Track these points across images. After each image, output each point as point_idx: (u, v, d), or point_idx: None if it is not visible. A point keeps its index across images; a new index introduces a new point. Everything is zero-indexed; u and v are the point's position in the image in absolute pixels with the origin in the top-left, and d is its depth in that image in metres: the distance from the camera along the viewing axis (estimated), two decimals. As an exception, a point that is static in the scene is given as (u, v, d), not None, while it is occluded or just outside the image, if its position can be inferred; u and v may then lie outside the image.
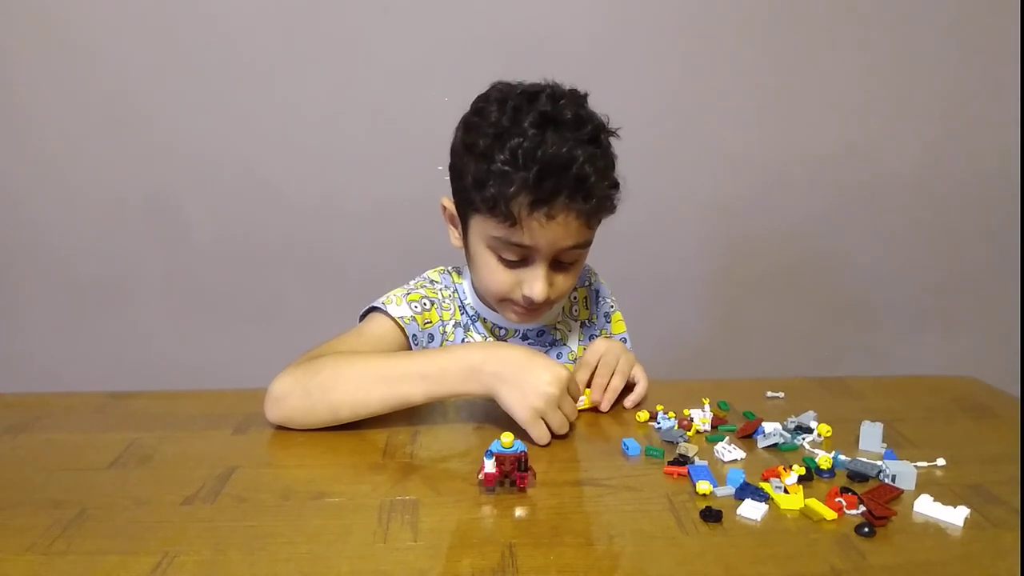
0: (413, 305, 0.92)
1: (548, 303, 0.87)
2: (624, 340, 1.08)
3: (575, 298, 1.05)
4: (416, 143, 1.65)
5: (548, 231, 0.80)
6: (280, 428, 0.77)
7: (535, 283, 0.83)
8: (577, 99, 0.84)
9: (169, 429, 0.77)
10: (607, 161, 0.84)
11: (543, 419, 0.72)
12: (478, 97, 0.88)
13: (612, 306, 1.08)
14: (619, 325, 1.08)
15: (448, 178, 0.93)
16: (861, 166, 1.79)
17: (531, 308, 0.87)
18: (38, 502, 0.61)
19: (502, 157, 0.78)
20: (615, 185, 0.84)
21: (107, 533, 0.57)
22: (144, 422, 0.80)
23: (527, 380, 0.72)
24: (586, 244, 0.86)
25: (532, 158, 0.77)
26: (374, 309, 0.92)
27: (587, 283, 1.07)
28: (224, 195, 1.67)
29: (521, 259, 0.84)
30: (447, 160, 0.94)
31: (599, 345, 0.87)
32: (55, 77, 1.57)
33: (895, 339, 1.92)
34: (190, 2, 1.55)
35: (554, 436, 0.73)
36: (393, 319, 0.90)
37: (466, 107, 0.91)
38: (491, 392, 0.73)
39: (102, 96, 1.59)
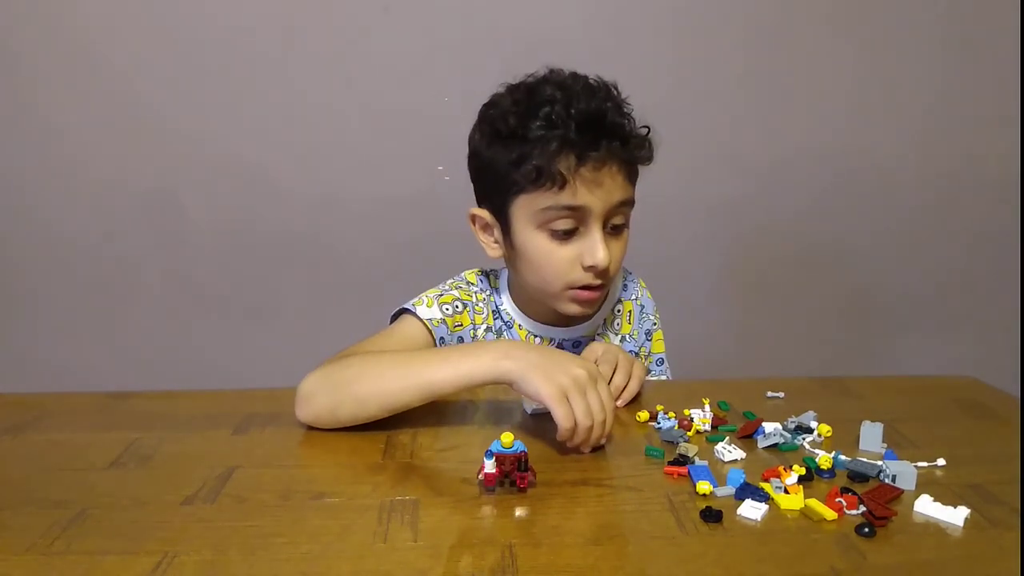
0: (444, 307, 0.92)
1: (607, 278, 0.87)
2: (661, 360, 1.06)
3: (618, 311, 1.03)
4: (416, 142, 1.66)
5: (597, 187, 0.81)
6: (280, 428, 0.77)
7: (595, 248, 0.83)
8: (578, 75, 0.87)
9: (169, 429, 0.77)
10: (629, 113, 0.86)
11: (569, 403, 0.67)
12: (484, 104, 0.90)
13: (655, 324, 1.06)
14: (659, 344, 1.06)
15: (473, 187, 0.93)
16: (861, 166, 1.79)
17: (593, 286, 0.86)
18: (38, 502, 0.61)
19: (537, 123, 0.81)
20: (647, 129, 0.87)
21: (107, 533, 0.57)
22: (144, 422, 0.79)
23: (556, 363, 0.69)
24: (632, 202, 0.87)
25: (567, 115, 0.80)
26: (405, 311, 0.92)
27: (633, 296, 1.05)
28: (224, 196, 1.66)
29: (574, 228, 0.84)
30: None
31: (596, 347, 0.87)
32: (55, 76, 1.57)
33: (895, 339, 1.92)
34: (190, 1, 1.55)
35: (582, 449, 0.69)
36: (422, 321, 0.89)
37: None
38: (519, 374, 0.69)
39: (103, 95, 1.59)
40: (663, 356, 1.06)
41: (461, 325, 0.93)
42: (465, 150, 0.93)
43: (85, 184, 1.64)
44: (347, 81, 1.62)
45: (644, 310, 1.05)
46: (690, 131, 1.69)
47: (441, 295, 0.93)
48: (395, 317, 0.93)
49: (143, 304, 1.72)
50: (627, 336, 1.04)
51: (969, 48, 1.74)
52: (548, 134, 0.80)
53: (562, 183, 0.80)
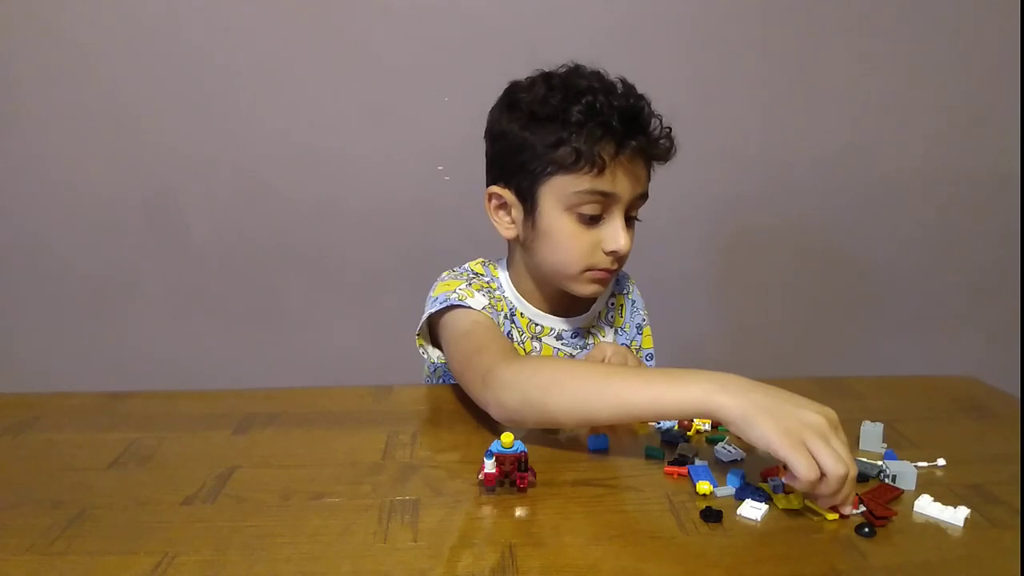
0: (483, 293, 0.92)
1: (622, 264, 0.91)
2: (651, 356, 1.07)
3: (612, 303, 1.06)
4: (416, 143, 1.66)
5: (629, 176, 0.85)
6: (280, 428, 0.77)
7: (618, 234, 0.87)
8: (601, 73, 0.90)
9: (169, 429, 0.77)
10: (657, 112, 0.90)
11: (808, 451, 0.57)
12: (510, 88, 0.91)
13: (644, 319, 1.08)
14: (648, 340, 1.08)
15: (490, 168, 0.94)
16: (863, 166, 1.79)
17: (611, 269, 0.90)
18: (38, 502, 0.61)
19: (579, 108, 0.83)
20: (670, 129, 0.91)
21: (107, 533, 0.57)
22: (144, 422, 0.80)
23: (786, 406, 0.60)
24: (647, 196, 0.91)
25: (609, 106, 0.83)
26: (450, 309, 0.88)
27: (625, 291, 1.08)
28: (224, 196, 1.66)
29: (599, 215, 0.87)
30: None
31: (605, 348, 0.87)
32: (55, 79, 1.57)
33: (895, 339, 1.92)
34: (189, 3, 1.55)
35: (838, 511, 0.59)
36: (480, 312, 0.88)
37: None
38: (740, 414, 0.60)
39: (102, 97, 1.59)
40: (651, 352, 1.08)
41: (494, 311, 0.93)
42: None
43: (86, 187, 1.63)
44: (347, 81, 1.62)
45: (635, 304, 1.08)
46: (691, 131, 1.68)
47: (469, 284, 0.93)
48: (431, 321, 0.91)
49: (144, 305, 1.72)
50: (619, 329, 1.06)
51: (970, 51, 1.74)
52: (590, 120, 0.83)
53: (600, 168, 0.83)
